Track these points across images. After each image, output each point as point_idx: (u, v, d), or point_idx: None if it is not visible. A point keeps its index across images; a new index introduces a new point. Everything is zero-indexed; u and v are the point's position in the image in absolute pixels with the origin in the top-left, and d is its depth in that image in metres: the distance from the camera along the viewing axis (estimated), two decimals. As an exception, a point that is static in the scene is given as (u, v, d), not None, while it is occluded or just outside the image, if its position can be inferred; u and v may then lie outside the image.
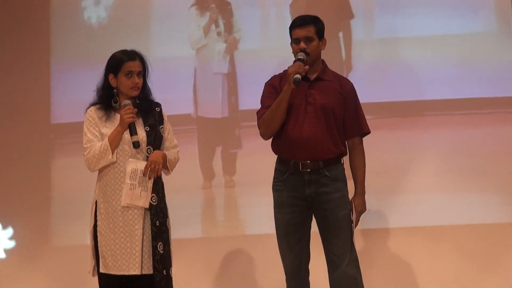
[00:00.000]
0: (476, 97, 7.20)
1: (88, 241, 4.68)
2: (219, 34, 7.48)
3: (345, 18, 7.16)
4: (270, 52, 7.38)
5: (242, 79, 7.47)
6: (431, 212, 6.97)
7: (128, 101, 4.62)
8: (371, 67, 7.08)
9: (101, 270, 4.59)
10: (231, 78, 7.47)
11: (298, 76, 4.53)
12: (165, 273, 4.55)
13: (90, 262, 4.65)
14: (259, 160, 7.39)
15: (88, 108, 4.74)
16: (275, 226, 4.82)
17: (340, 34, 7.11)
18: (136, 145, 4.57)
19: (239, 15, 7.51)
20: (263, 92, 4.86)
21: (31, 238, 7.49)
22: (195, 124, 7.43)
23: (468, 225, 7.08)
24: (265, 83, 4.91)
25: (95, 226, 4.63)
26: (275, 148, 4.81)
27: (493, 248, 7.10)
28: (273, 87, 4.80)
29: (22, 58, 7.73)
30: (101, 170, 4.67)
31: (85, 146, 4.68)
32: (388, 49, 7.02)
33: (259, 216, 7.26)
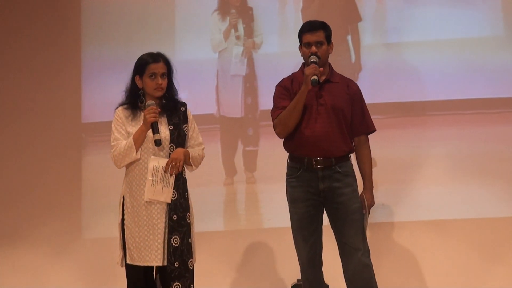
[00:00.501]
0: (481, 98, 7.21)
1: (117, 233, 4.72)
2: (238, 38, 7.55)
3: (353, 21, 7.17)
4: (288, 55, 7.31)
5: (262, 81, 7.51)
6: (438, 206, 6.99)
7: (151, 102, 4.65)
8: (380, 69, 7.08)
9: (128, 261, 4.64)
10: (248, 80, 7.53)
11: (315, 77, 4.59)
12: (177, 265, 4.56)
13: (119, 254, 4.69)
14: (278, 157, 7.39)
15: (116, 108, 4.78)
16: (290, 220, 4.87)
17: (349, 37, 7.13)
18: (157, 143, 4.60)
19: (260, 20, 7.57)
20: (275, 94, 4.92)
21: (63, 231, 7.55)
22: (218, 123, 7.49)
23: (473, 219, 7.10)
24: (276, 85, 4.96)
25: (122, 219, 4.67)
26: (287, 146, 4.87)
27: (498, 241, 7.10)
28: (285, 88, 4.84)
29: (54, 62, 7.78)
30: (127, 167, 4.72)
31: (112, 144, 4.73)
32: (396, 52, 7.03)
33: (277, 210, 7.17)
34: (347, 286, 4.72)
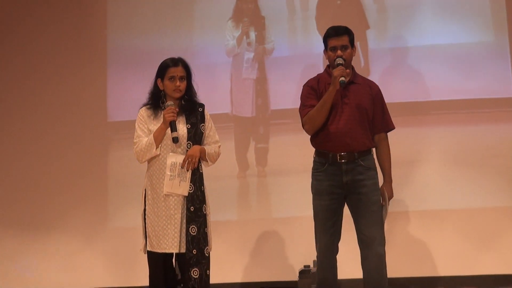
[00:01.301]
0: (475, 98, 7.24)
1: (140, 223, 4.77)
2: (249, 44, 7.60)
3: (362, 29, 7.22)
4: (296, 60, 7.53)
5: (272, 84, 7.57)
6: (437, 197, 7.04)
7: (170, 102, 4.68)
8: (384, 72, 7.13)
9: (148, 249, 4.66)
10: (259, 83, 7.59)
11: (343, 78, 4.60)
12: (194, 252, 4.59)
13: (142, 242, 4.72)
14: (288, 153, 7.47)
15: (140, 108, 4.82)
16: (314, 211, 4.81)
17: (357, 44, 7.15)
18: (175, 140, 4.63)
19: (271, 27, 7.64)
20: (302, 93, 4.91)
21: (91, 221, 7.60)
22: (232, 122, 7.54)
23: (468, 209, 7.13)
24: (304, 85, 4.95)
25: (144, 210, 4.71)
26: (314, 142, 4.85)
27: (488, 230, 7.12)
28: (312, 88, 4.84)
29: (81, 65, 7.81)
30: (148, 162, 4.75)
31: (135, 141, 4.76)
32: (399, 57, 7.09)
33: (286, 201, 7.42)
34: (363, 272, 4.71)
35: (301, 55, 7.59)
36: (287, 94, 7.49)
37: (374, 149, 4.82)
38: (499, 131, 7.18)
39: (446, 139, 7.17)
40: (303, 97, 4.89)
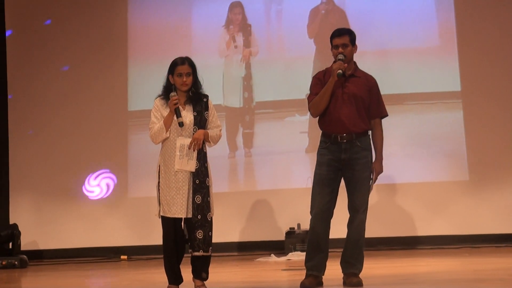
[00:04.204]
0: (424, 92, 7.30)
1: (155, 193, 4.71)
2: (235, 47, 7.61)
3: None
4: (276, 61, 7.59)
5: (256, 80, 7.58)
6: (396, 173, 7.07)
7: (173, 93, 4.59)
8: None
9: (161, 214, 4.60)
10: (245, 79, 7.58)
11: (340, 71, 4.51)
12: (199, 217, 4.52)
13: (156, 208, 4.67)
14: (270, 137, 7.50)
15: (155, 98, 4.75)
16: (314, 179, 4.69)
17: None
18: (180, 124, 4.55)
19: (256, 33, 7.62)
20: (311, 83, 4.76)
21: (114, 191, 7.61)
22: (224, 111, 7.51)
23: (423, 183, 7.21)
24: (313, 77, 4.81)
25: (158, 183, 4.64)
26: (321, 125, 4.73)
27: (438, 199, 7.19)
28: (319, 79, 4.71)
29: (105, 63, 7.80)
30: (162, 143, 4.68)
31: (150, 126, 4.68)
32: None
33: (268, 177, 7.47)
34: (347, 231, 4.65)
35: (279, 57, 7.62)
36: (268, 89, 7.58)
37: (370, 132, 4.75)
38: (443, 118, 7.27)
39: (405, 125, 7.23)
40: (311, 86, 4.79)
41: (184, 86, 4.67)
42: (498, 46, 7.24)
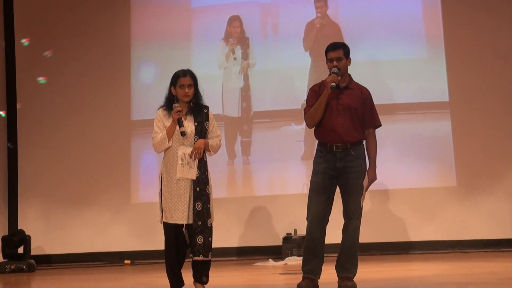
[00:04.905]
0: (414, 102, 7.29)
1: (157, 200, 4.66)
2: (235, 59, 7.58)
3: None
4: (272, 73, 7.57)
5: (254, 91, 7.54)
6: (388, 180, 7.03)
7: (176, 104, 4.56)
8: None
9: (163, 220, 4.57)
10: (244, 90, 7.55)
11: (333, 84, 4.48)
12: (199, 223, 4.47)
13: (159, 214, 4.62)
14: (267, 145, 7.46)
15: (158, 109, 4.71)
16: (310, 186, 4.64)
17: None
18: (182, 134, 4.51)
19: (255, 46, 7.59)
20: (308, 95, 4.75)
21: (117, 197, 7.58)
22: (223, 120, 7.46)
23: (414, 188, 7.16)
24: (309, 89, 4.78)
25: (161, 190, 4.60)
26: (317, 135, 4.69)
27: (428, 205, 7.15)
28: (315, 91, 4.68)
29: (109, 81, 7.77)
30: (164, 152, 4.64)
31: (152, 136, 4.65)
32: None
33: (265, 183, 7.44)
34: (342, 236, 4.62)
35: (276, 69, 7.59)
36: (265, 99, 7.57)
37: (364, 141, 4.71)
38: (434, 126, 7.24)
39: (397, 133, 7.23)
40: (308, 98, 4.77)
41: (186, 97, 4.64)
42: (484, 58, 7.22)
